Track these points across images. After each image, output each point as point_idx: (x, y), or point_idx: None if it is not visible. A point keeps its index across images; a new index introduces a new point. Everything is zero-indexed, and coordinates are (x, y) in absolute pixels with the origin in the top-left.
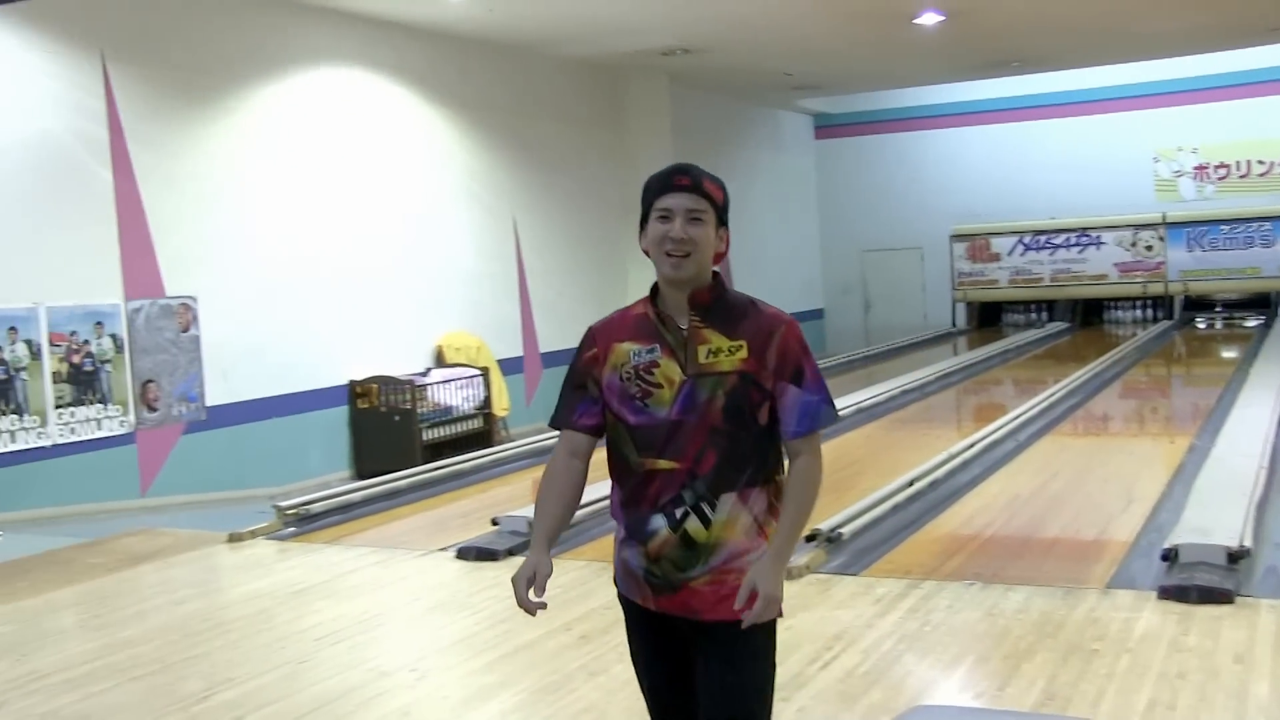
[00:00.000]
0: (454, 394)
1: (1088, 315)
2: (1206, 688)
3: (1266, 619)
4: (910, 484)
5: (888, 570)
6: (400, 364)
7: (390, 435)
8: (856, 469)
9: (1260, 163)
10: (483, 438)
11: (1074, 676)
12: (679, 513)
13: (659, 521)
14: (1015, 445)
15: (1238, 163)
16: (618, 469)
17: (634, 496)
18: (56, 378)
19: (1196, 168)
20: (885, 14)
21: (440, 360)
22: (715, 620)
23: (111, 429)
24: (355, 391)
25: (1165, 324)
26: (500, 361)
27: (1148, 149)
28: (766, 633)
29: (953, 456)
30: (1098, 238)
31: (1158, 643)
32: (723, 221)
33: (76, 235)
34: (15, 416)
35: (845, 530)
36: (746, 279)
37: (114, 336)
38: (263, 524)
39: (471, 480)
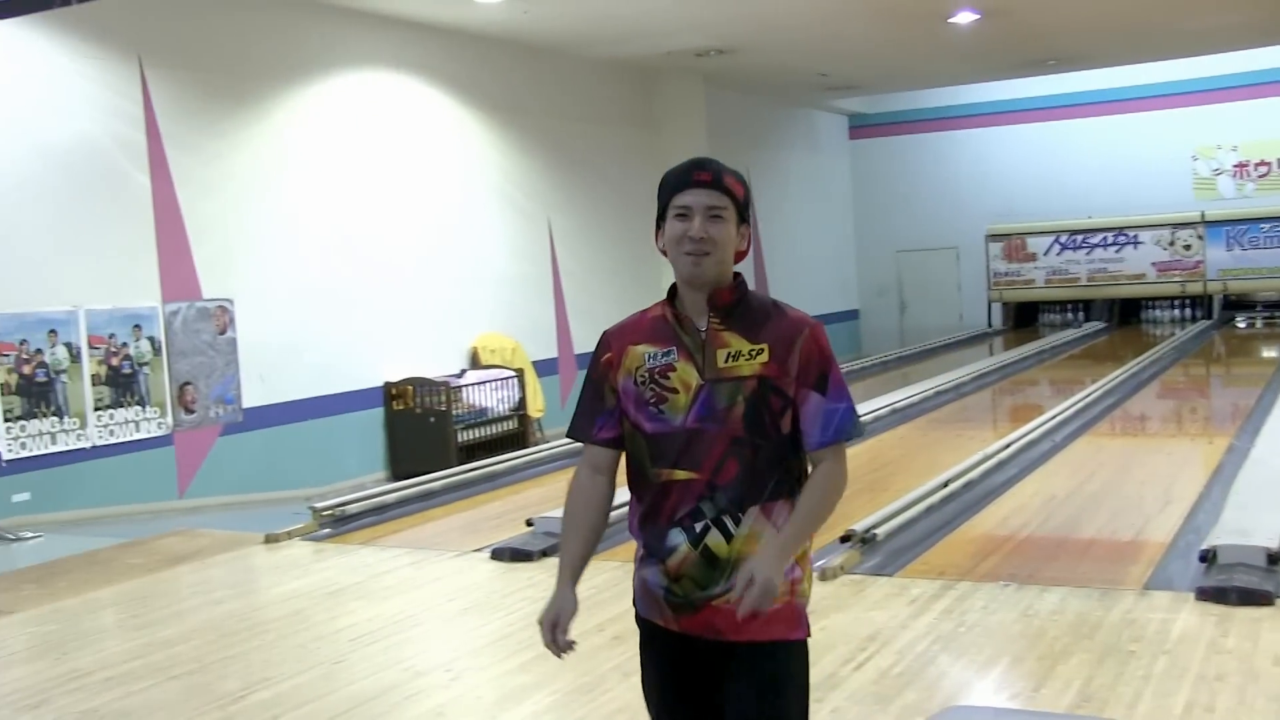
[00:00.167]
0: (489, 395)
1: (1125, 315)
2: (1246, 690)
3: None
4: (945, 485)
5: (922, 571)
6: (435, 365)
7: (425, 437)
8: (891, 469)
9: None
10: (517, 439)
11: (1110, 678)
12: (699, 527)
13: (678, 537)
14: (1051, 446)
15: (1279, 160)
16: (635, 481)
17: (651, 511)
18: (95, 380)
19: (1236, 165)
20: (920, 13)
21: (475, 362)
22: (741, 641)
23: (149, 431)
24: (390, 393)
25: (1204, 324)
26: (535, 363)
27: (1186, 147)
28: (798, 656)
29: (988, 457)
30: (1135, 237)
31: (1196, 644)
32: (744, 218)
33: (114, 238)
34: (55, 419)
35: (880, 531)
36: (782, 280)
37: (152, 339)
38: (299, 525)
39: (506, 481)
